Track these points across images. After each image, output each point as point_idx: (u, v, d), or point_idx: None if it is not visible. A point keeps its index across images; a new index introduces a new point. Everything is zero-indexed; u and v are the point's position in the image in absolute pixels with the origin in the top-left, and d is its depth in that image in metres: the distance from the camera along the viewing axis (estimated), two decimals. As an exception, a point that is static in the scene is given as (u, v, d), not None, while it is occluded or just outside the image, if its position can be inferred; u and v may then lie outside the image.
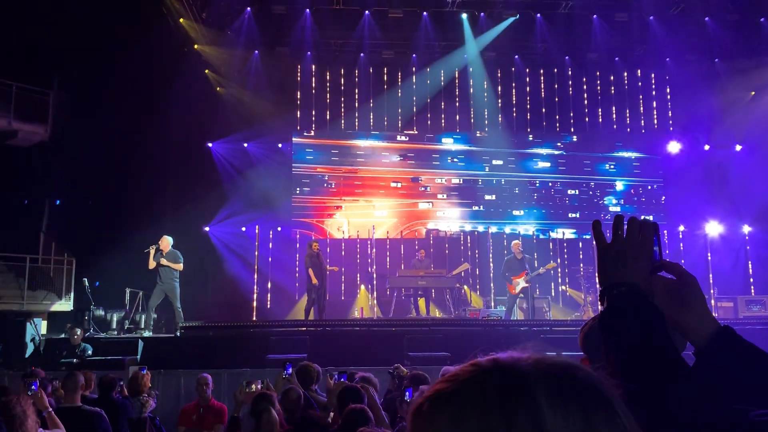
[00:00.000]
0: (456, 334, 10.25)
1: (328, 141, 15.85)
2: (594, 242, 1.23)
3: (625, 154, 16.34)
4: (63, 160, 13.77)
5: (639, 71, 16.43)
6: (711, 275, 14.22)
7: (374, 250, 15.02)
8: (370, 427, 3.47)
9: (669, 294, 1.16)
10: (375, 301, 14.04)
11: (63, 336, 10.31)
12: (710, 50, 15.06)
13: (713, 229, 15.16)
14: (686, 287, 1.17)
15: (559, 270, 15.03)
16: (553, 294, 14.71)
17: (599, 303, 1.15)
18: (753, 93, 15.57)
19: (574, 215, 15.97)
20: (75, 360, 9.25)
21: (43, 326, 11.97)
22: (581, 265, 14.72)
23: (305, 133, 15.88)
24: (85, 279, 11.73)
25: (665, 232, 15.33)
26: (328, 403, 4.55)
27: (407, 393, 4.04)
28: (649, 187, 16.24)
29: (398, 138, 16.06)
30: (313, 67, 15.84)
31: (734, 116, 15.50)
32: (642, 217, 1.20)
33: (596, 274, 1.21)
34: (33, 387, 4.42)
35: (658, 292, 1.15)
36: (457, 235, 15.54)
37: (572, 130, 16.33)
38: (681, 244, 15.54)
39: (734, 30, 14.32)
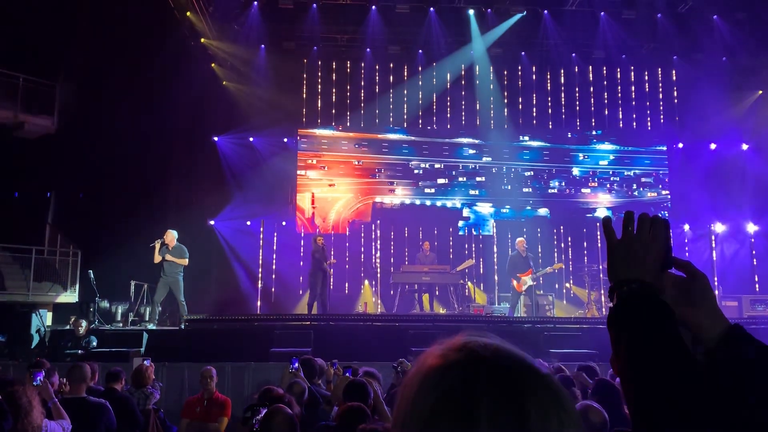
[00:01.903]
0: (459, 330, 10.24)
1: (332, 136, 15.88)
2: (604, 238, 1.22)
3: (632, 152, 16.29)
4: (69, 152, 13.81)
5: (646, 69, 16.38)
6: (716, 274, 14.19)
7: (378, 245, 15.05)
8: (372, 423, 3.48)
9: (679, 292, 1.15)
10: (379, 296, 14.06)
11: (68, 327, 10.36)
12: (718, 48, 14.99)
13: (718, 227, 15.12)
14: (697, 285, 1.17)
15: (564, 269, 15.02)
16: (557, 291, 14.69)
17: (609, 299, 1.15)
18: (760, 92, 15.50)
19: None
20: (80, 351, 9.30)
21: (48, 317, 12.05)
22: (586, 262, 14.72)
23: (309, 129, 15.91)
24: (91, 271, 11.78)
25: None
26: (333, 397, 4.56)
27: None
28: (655, 185, 16.19)
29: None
30: (319, 62, 15.86)
31: (741, 115, 15.44)
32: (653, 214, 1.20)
33: (606, 271, 1.21)
34: (38, 378, 4.45)
35: (668, 290, 1.15)
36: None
37: (578, 127, 16.29)
38: (686, 243, 15.50)
39: (742, 28, 14.25)
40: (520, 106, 16.22)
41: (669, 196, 16.10)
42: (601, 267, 13.95)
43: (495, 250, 15.29)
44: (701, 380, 1.00)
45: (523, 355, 0.78)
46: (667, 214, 15.51)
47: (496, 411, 0.71)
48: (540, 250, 14.61)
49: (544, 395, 0.73)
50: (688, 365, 1.02)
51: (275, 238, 15.18)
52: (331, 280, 12.53)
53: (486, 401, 0.71)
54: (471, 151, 16.05)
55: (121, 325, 11.63)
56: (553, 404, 0.73)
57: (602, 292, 13.05)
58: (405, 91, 16.02)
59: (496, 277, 14.69)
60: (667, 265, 1.16)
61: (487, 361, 0.75)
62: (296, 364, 5.42)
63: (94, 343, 9.66)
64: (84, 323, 9.86)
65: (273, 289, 14.95)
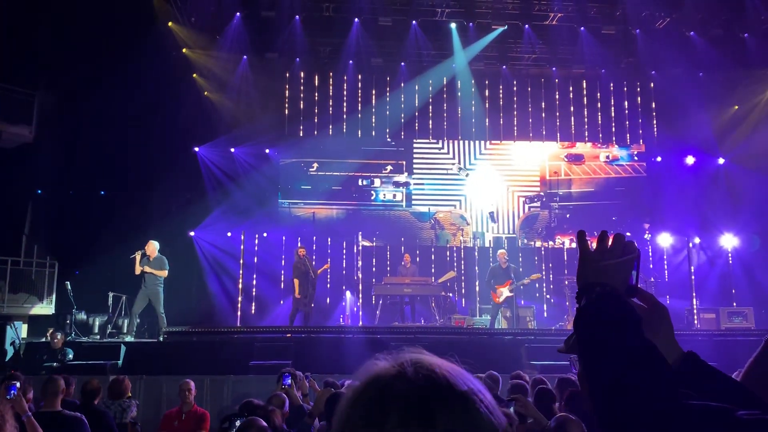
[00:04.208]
0: (441, 342, 10.25)
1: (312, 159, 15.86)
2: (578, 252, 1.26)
3: (610, 166, 16.46)
4: (47, 162, 13.64)
5: (625, 83, 16.60)
6: (693, 287, 14.34)
7: (360, 256, 15.01)
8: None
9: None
10: (360, 308, 14.02)
11: (44, 340, 10.19)
12: (695, 64, 15.26)
13: (696, 240, 15.30)
14: (657, 315, 1.23)
15: (544, 279, 15.10)
16: (537, 303, 14.74)
17: (576, 302, 1.18)
18: (737, 107, 15.78)
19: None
20: (56, 364, 9.15)
21: (23, 330, 11.83)
22: (566, 274, 14.81)
23: (292, 139, 15.92)
24: (68, 282, 11.61)
25: (649, 245, 15.45)
26: (314, 410, 4.53)
27: None
28: (633, 198, 16.32)
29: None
30: (302, 73, 15.87)
31: (718, 129, 15.70)
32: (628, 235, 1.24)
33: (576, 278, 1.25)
34: (12, 391, 4.36)
35: None
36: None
37: (558, 141, 16.44)
38: (665, 255, 15.68)
39: (718, 44, 14.53)
40: (501, 120, 16.32)
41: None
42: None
43: (476, 260, 15.33)
44: (673, 378, 1.03)
45: (446, 371, 0.82)
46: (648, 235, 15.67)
47: (403, 425, 0.75)
48: (521, 261, 14.68)
49: (455, 412, 0.78)
50: (657, 361, 1.04)
51: (256, 249, 15.08)
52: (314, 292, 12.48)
53: (394, 416, 0.76)
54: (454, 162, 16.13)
55: (98, 337, 11.47)
56: (463, 421, 0.78)
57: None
58: (387, 103, 16.07)
59: (477, 289, 14.71)
60: (631, 292, 1.21)
61: (405, 376, 0.80)
62: (288, 380, 5.40)
63: (71, 356, 9.51)
64: (60, 335, 9.71)
65: (253, 301, 14.83)
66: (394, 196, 15.06)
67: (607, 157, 16.05)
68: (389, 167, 15.34)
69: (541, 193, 15.88)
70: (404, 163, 15.54)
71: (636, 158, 16.20)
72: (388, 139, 15.91)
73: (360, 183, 15.26)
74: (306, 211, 15.37)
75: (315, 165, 15.29)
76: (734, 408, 0.91)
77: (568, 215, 15.51)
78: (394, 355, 0.86)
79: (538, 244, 15.86)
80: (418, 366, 0.82)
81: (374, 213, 15.37)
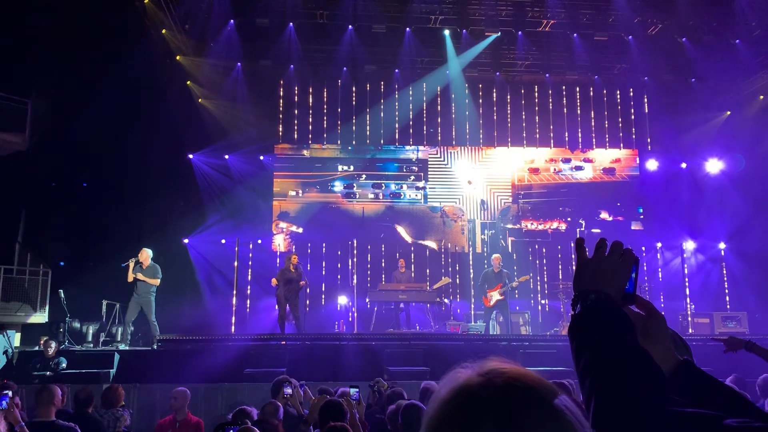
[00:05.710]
0: (436, 348, 10.24)
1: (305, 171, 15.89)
2: (575, 258, 1.27)
3: (604, 172, 16.53)
4: (40, 170, 13.59)
5: (618, 90, 16.69)
6: (687, 291, 14.38)
7: (356, 261, 15.01)
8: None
9: (637, 327, 1.20)
10: (355, 315, 13.99)
11: (37, 348, 10.13)
12: (687, 70, 15.35)
13: (690, 245, 15.36)
14: (654, 323, 1.24)
15: (531, 281, 15.11)
16: (532, 308, 14.75)
17: (572, 308, 1.19)
18: (729, 112, 15.88)
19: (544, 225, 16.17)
20: (49, 373, 9.08)
21: (16, 338, 11.77)
22: (561, 279, 14.84)
23: (287, 146, 15.96)
24: (61, 291, 11.54)
25: (643, 250, 15.50)
26: (309, 418, 4.52)
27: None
28: (628, 204, 16.39)
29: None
30: (296, 80, 15.88)
31: (711, 135, 15.79)
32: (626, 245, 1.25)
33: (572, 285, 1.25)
34: (4, 401, 4.32)
35: None
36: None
37: (551, 147, 16.51)
38: (659, 261, 15.71)
39: (710, 50, 14.62)
40: (495, 127, 16.40)
41: (641, 215, 16.34)
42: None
43: (471, 266, 15.35)
44: (665, 383, 1.03)
45: (533, 381, 0.84)
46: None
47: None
48: (515, 266, 14.72)
49: (544, 421, 0.80)
50: (651, 369, 1.05)
51: (250, 257, 15.05)
52: (307, 301, 12.44)
53: (487, 423, 0.79)
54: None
55: (92, 345, 11.40)
56: (553, 429, 0.80)
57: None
58: (382, 109, 16.13)
59: (472, 296, 14.71)
60: (629, 300, 1.22)
61: (494, 385, 0.83)
62: (289, 390, 5.41)
63: (64, 365, 9.44)
64: (54, 344, 9.65)
65: (247, 309, 14.79)
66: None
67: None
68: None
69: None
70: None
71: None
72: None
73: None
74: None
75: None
76: (724, 415, 0.92)
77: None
78: (476, 364, 0.88)
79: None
80: (505, 375, 0.84)
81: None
